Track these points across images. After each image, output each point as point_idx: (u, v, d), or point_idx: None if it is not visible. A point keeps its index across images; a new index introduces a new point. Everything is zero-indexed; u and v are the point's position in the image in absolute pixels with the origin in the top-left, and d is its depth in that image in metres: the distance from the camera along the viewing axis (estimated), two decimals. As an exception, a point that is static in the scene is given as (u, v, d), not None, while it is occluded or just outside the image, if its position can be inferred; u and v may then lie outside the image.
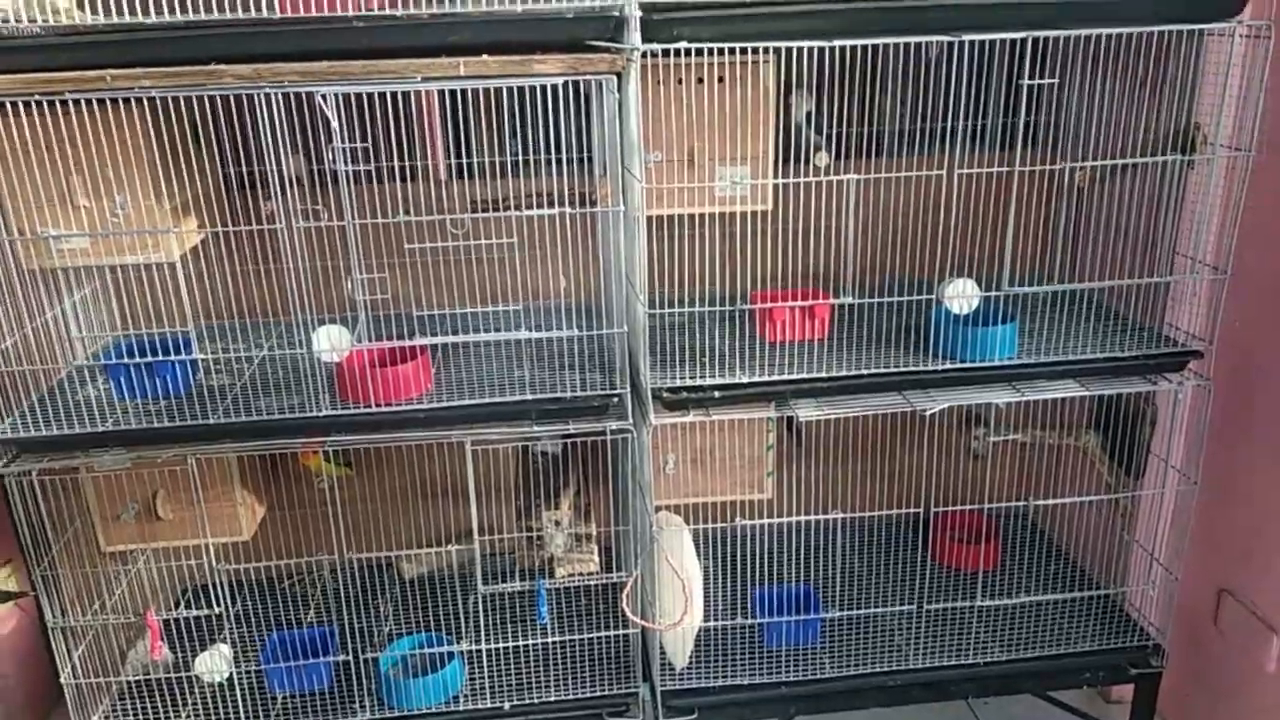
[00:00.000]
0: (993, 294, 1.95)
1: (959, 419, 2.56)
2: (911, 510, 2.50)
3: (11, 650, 2.30)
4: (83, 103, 1.72)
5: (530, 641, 2.22)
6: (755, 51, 1.84)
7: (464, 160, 2.30)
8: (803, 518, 2.17)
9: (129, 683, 2.16)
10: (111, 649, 2.13)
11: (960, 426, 2.56)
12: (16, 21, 1.71)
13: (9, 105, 1.69)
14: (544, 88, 1.77)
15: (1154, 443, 2.21)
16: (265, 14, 1.67)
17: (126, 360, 1.90)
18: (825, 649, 2.22)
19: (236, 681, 2.08)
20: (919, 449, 2.56)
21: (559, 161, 2.05)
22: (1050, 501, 2.25)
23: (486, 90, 2.15)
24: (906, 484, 2.62)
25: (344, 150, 1.72)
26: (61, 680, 2.01)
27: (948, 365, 1.99)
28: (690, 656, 2.12)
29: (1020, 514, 2.71)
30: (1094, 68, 2.10)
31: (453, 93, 2.21)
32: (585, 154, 2.13)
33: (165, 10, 1.65)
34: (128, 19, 1.66)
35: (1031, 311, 2.21)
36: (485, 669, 2.17)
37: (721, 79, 1.91)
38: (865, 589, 2.41)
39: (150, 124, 1.84)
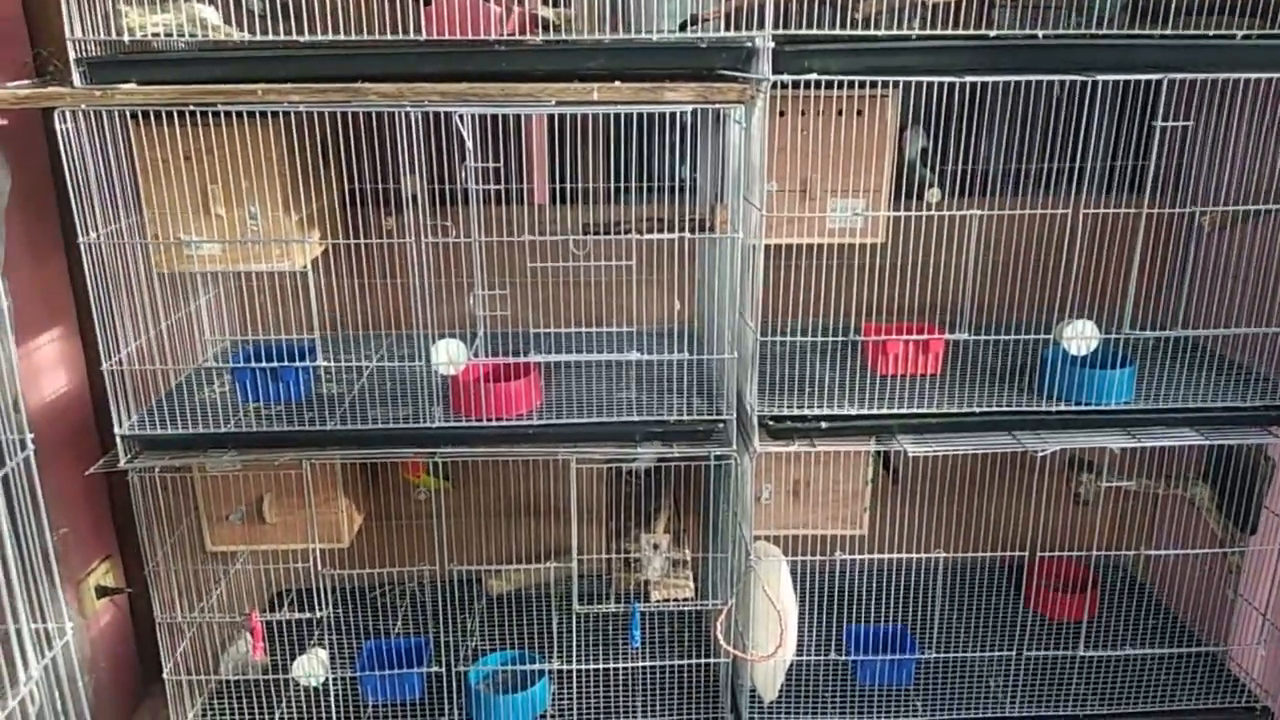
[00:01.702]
0: (1112, 336, 1.92)
1: (1065, 463, 2.50)
2: (1010, 554, 2.44)
3: (105, 644, 2.35)
4: (225, 116, 1.79)
5: (620, 665, 2.21)
6: (881, 85, 1.84)
7: (580, 185, 2.34)
8: (901, 555, 2.13)
9: (225, 681, 2.20)
10: (209, 647, 2.17)
11: (1065, 471, 2.51)
12: (169, 36, 1.79)
13: (155, 116, 1.76)
14: (669, 116, 1.79)
15: (1269, 497, 2.14)
16: (412, 35, 1.72)
17: (253, 365, 1.95)
18: (919, 691, 2.17)
19: (330, 686, 2.10)
20: (1021, 492, 2.51)
21: (674, 190, 2.08)
22: (1163, 552, 2.19)
23: (606, 117, 2.19)
24: (1005, 527, 2.56)
25: (476, 170, 1.77)
26: (165, 675, 2.05)
27: (1061, 407, 1.96)
28: (780, 690, 2.10)
29: (1120, 565, 2.64)
30: (1225, 112, 2.07)
31: (569, 117, 2.25)
32: (695, 180, 2.15)
33: (317, 30, 1.72)
34: (280, 37, 1.72)
35: (1150, 357, 2.16)
36: (573, 689, 2.16)
37: (840, 112, 1.92)
38: (960, 632, 2.36)
39: (285, 139, 1.90)
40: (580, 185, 2.33)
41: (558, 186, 2.35)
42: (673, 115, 1.78)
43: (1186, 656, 2.27)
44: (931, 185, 2.22)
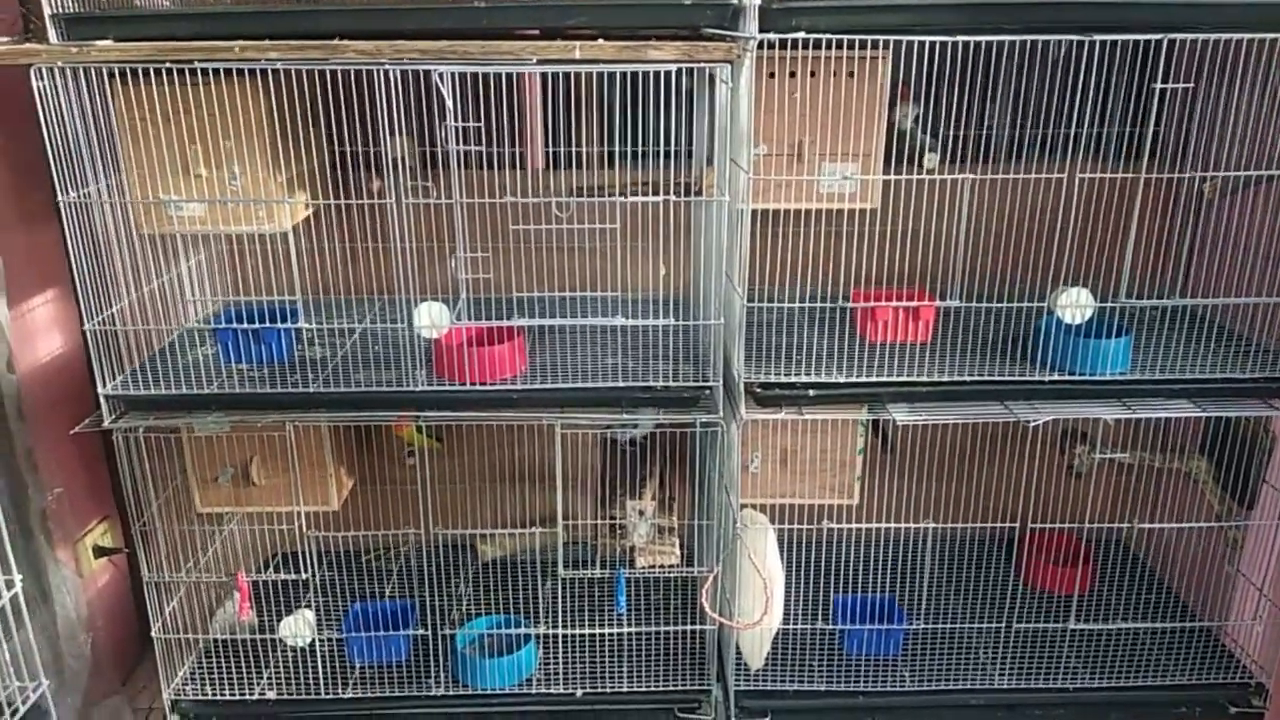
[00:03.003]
0: (1108, 305, 1.88)
1: (1059, 435, 2.47)
2: (1004, 525, 2.42)
3: (103, 605, 2.38)
4: (207, 75, 1.77)
5: (606, 630, 2.21)
6: (873, 46, 1.79)
7: (569, 149, 2.30)
8: (891, 524, 2.11)
9: (215, 641, 2.22)
10: (199, 608, 2.19)
11: (1060, 443, 2.47)
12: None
13: (135, 74, 1.74)
14: (654, 76, 1.75)
15: (1269, 471, 2.10)
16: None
17: (235, 325, 1.95)
18: (906, 661, 2.16)
19: (318, 647, 2.12)
20: (1015, 463, 2.48)
21: (664, 153, 2.04)
22: (1156, 525, 2.15)
23: (598, 77, 2.15)
24: (999, 499, 2.54)
25: (456, 129, 1.74)
26: (153, 634, 2.07)
27: (1055, 377, 1.92)
28: (767, 658, 2.09)
29: (1115, 538, 2.61)
30: (1229, 76, 2.00)
31: (562, 79, 2.21)
32: (689, 145, 2.11)
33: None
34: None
35: (1147, 327, 2.12)
36: (560, 654, 2.17)
37: (834, 73, 1.87)
38: (950, 604, 2.34)
39: (269, 99, 1.88)
40: (572, 150, 2.30)
41: (549, 150, 2.32)
42: (664, 76, 1.74)
43: (1181, 631, 2.25)
44: (930, 150, 2.17)
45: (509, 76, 1.84)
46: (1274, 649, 2.11)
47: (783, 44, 1.71)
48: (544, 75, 2.17)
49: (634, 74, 1.74)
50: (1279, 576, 2.10)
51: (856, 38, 1.71)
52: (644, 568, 2.10)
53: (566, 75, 2.18)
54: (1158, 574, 2.48)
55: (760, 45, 1.71)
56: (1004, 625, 2.23)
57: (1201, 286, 2.14)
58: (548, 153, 2.32)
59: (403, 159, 2.16)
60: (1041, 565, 2.41)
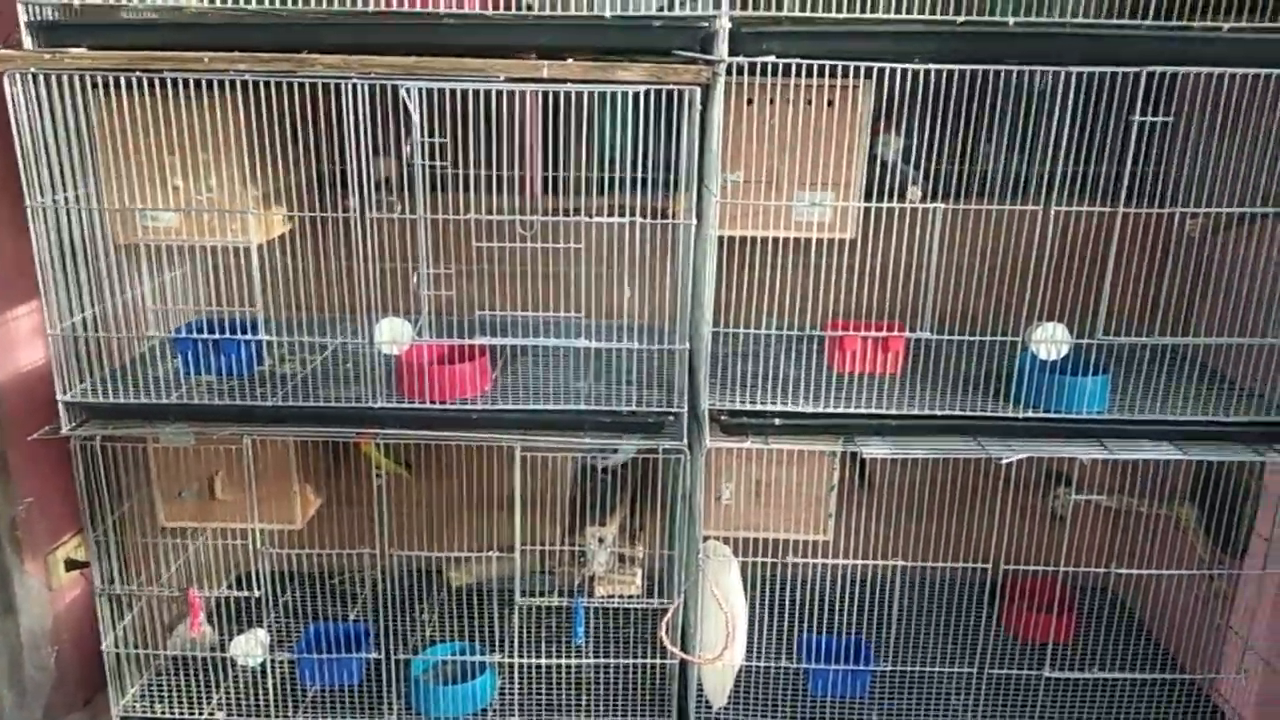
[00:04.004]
0: (1085, 341, 1.83)
1: (1039, 475, 2.40)
2: (975, 565, 2.34)
3: (72, 619, 2.35)
4: (185, 88, 1.78)
5: (565, 661, 2.15)
6: (852, 75, 1.77)
7: (549, 174, 2.29)
8: (858, 561, 2.05)
9: (169, 659, 2.18)
10: (158, 624, 2.15)
11: (1041, 485, 2.40)
12: (128, 3, 1.79)
13: (115, 85, 1.75)
14: (630, 97, 1.74)
15: (1259, 520, 2.03)
16: (360, 7, 1.69)
17: (193, 336, 1.94)
18: (874, 704, 2.09)
19: (270, 668, 2.08)
20: (995, 505, 2.41)
21: (642, 181, 2.03)
22: (1132, 571, 2.08)
23: (577, 105, 2.14)
24: (979, 543, 2.47)
25: (422, 144, 1.73)
26: (103, 648, 2.03)
27: (1030, 414, 1.87)
28: (730, 696, 2.03)
29: (1101, 587, 2.53)
30: (1214, 113, 1.97)
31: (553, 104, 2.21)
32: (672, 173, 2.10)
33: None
34: (229, 5, 1.71)
35: (1129, 367, 2.06)
36: (518, 684, 2.11)
37: (810, 101, 1.85)
38: (924, 646, 2.27)
39: (245, 113, 1.88)
40: (566, 174, 2.28)
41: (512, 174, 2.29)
42: (641, 99, 1.72)
43: (1165, 683, 2.16)
44: (914, 183, 2.14)
45: (508, 101, 1.84)
46: (1262, 706, 2.02)
47: (761, 70, 1.70)
48: (544, 100, 2.17)
49: (623, 99, 1.72)
50: (1269, 631, 2.02)
51: (828, 64, 1.69)
52: (603, 597, 2.04)
53: (559, 101, 2.18)
54: (1145, 624, 2.40)
55: (732, 70, 1.70)
56: (976, 670, 2.15)
57: (1187, 327, 2.09)
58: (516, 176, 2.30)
59: (386, 179, 2.16)
60: (1024, 613, 2.33)
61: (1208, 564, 2.13)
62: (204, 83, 1.80)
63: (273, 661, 2.09)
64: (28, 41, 1.72)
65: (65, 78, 1.74)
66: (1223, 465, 2.10)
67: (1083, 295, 2.02)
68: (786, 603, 2.30)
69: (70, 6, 1.75)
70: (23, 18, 1.71)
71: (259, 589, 2.00)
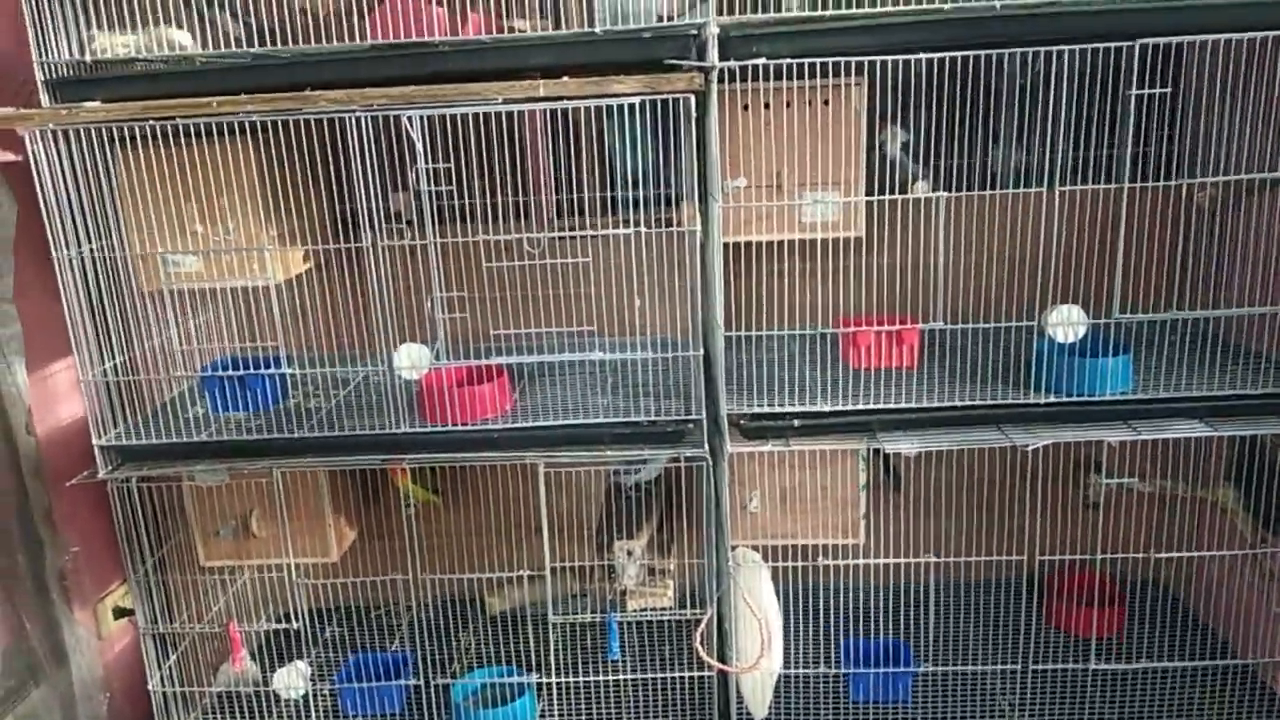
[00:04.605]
0: (1101, 321, 1.80)
1: (1073, 464, 2.36)
2: (1016, 558, 2.30)
3: (121, 666, 2.39)
4: (200, 135, 1.84)
5: (602, 677, 2.14)
6: (845, 73, 1.78)
7: (560, 196, 2.32)
8: (893, 560, 2.03)
9: (215, 695, 2.21)
10: (203, 662, 2.18)
11: (1073, 473, 2.36)
12: (139, 59, 1.85)
13: (133, 137, 1.81)
14: (631, 111, 1.77)
15: (1300, 496, 1.97)
16: (357, 42, 1.74)
17: (218, 374, 1.98)
18: (917, 707, 2.05)
19: (313, 700, 2.09)
20: (1028, 496, 2.37)
21: (648, 194, 2.05)
22: (1174, 554, 2.03)
23: (585, 124, 2.18)
24: (1015, 537, 2.43)
25: (427, 171, 1.77)
26: (149, 687, 2.07)
27: (1052, 399, 1.84)
28: (770, 706, 2.00)
29: (1149, 578, 2.46)
30: (1213, 81, 1.95)
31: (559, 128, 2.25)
32: (674, 184, 2.12)
33: (269, 41, 1.76)
34: (235, 49, 1.77)
35: (1151, 346, 2.03)
36: (558, 703, 2.11)
37: (808, 102, 1.87)
38: (965, 646, 2.23)
39: (257, 155, 1.94)
40: (566, 196, 2.32)
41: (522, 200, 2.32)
42: (638, 110, 1.75)
43: (1221, 671, 2.10)
44: (918, 179, 2.14)
45: (513, 125, 1.88)
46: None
47: (754, 74, 1.71)
48: (550, 122, 2.21)
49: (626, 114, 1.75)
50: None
51: (818, 62, 1.70)
52: (636, 610, 2.04)
53: (564, 121, 2.22)
54: (1195, 612, 2.34)
55: (725, 77, 1.72)
56: (1020, 667, 2.11)
57: (1206, 301, 2.05)
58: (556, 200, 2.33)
59: (397, 213, 2.21)
60: (1069, 608, 2.28)
61: (1251, 544, 2.07)
62: (216, 128, 1.86)
63: (315, 693, 2.11)
64: (45, 99, 1.79)
65: (83, 131, 1.81)
66: (1259, 442, 2.05)
67: (1096, 276, 1.99)
68: (823, 608, 2.28)
69: (84, 63, 1.82)
70: (39, 77, 1.78)
71: (297, 622, 2.02)
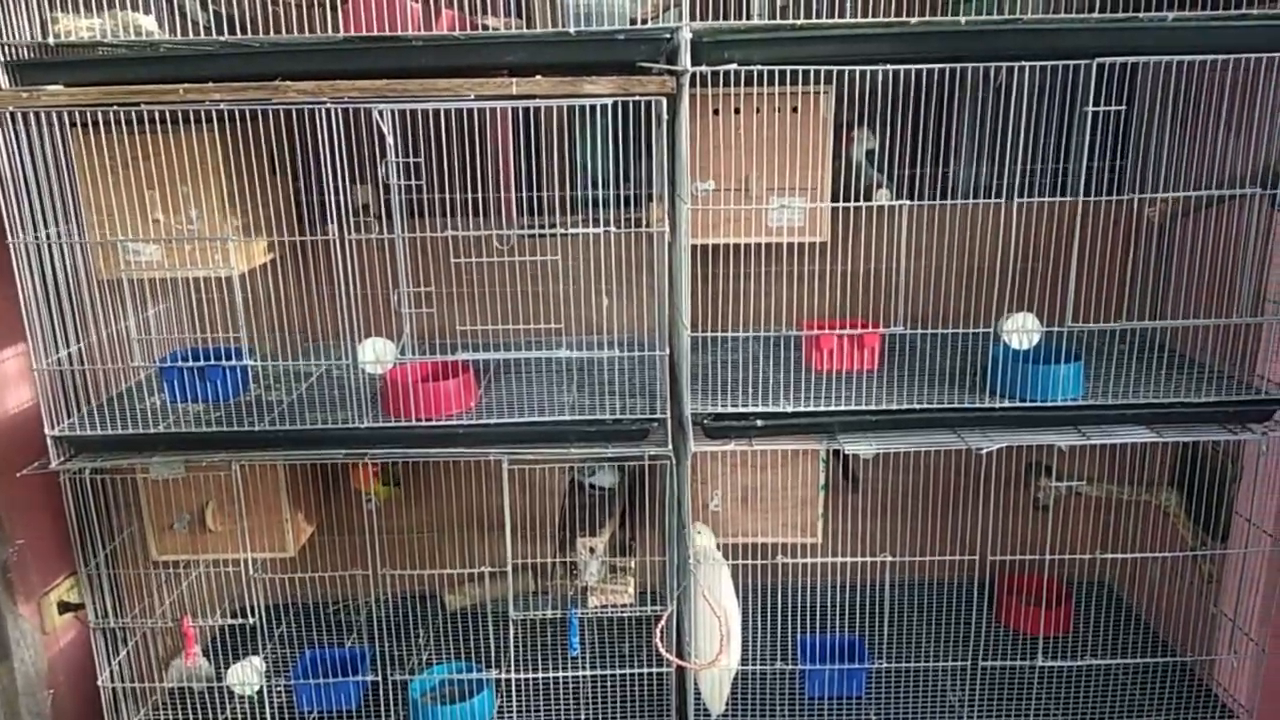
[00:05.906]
0: (1054, 329, 1.86)
1: (1024, 467, 2.42)
2: (968, 558, 2.36)
3: (66, 661, 2.34)
4: (163, 122, 1.81)
5: (562, 674, 2.15)
6: (814, 81, 1.82)
7: (527, 194, 2.33)
8: (850, 559, 2.07)
9: (167, 691, 2.18)
10: (155, 657, 2.15)
11: (1024, 476, 2.43)
12: (103, 37, 1.82)
13: (94, 121, 1.78)
14: (601, 112, 1.78)
15: (1238, 502, 2.05)
16: (330, 34, 1.73)
17: (178, 365, 1.95)
18: (871, 702, 2.09)
19: (267, 696, 2.07)
20: (981, 499, 2.43)
21: (617, 194, 2.07)
22: (1116, 556, 2.10)
23: (552, 124, 2.19)
24: (967, 538, 2.49)
25: (397, 165, 1.76)
26: (99, 683, 2.03)
27: (1006, 404, 1.89)
28: (727, 702, 2.03)
29: (1094, 577, 2.55)
30: (1164, 100, 2.02)
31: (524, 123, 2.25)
32: (643, 184, 2.14)
33: (238, 30, 1.74)
34: (204, 37, 1.74)
35: (1101, 355, 2.10)
36: (517, 700, 2.11)
37: (779, 109, 1.90)
38: (918, 642, 2.28)
39: (223, 144, 1.92)
40: (533, 194, 2.33)
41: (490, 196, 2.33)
42: (609, 111, 1.77)
43: (1161, 669, 2.17)
44: (880, 186, 2.19)
45: (483, 122, 1.88)
46: (1255, 686, 2.03)
47: (725, 80, 1.74)
48: (518, 120, 2.21)
49: (596, 115, 1.76)
50: (1259, 611, 2.04)
51: (788, 69, 1.73)
52: (596, 607, 2.05)
53: (531, 120, 2.22)
54: (1138, 613, 2.42)
55: (697, 81, 1.74)
56: (970, 663, 2.16)
57: (1155, 312, 2.13)
58: (521, 198, 2.34)
59: (365, 205, 2.20)
60: (1018, 607, 2.35)
61: (1191, 547, 2.15)
62: (181, 116, 1.84)
63: (270, 689, 2.09)
64: (4, 81, 1.75)
65: (44, 115, 1.77)
66: (1201, 449, 2.13)
67: (1051, 285, 2.05)
68: (781, 606, 2.31)
69: (46, 45, 1.79)
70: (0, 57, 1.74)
71: (253, 617, 2.00)
